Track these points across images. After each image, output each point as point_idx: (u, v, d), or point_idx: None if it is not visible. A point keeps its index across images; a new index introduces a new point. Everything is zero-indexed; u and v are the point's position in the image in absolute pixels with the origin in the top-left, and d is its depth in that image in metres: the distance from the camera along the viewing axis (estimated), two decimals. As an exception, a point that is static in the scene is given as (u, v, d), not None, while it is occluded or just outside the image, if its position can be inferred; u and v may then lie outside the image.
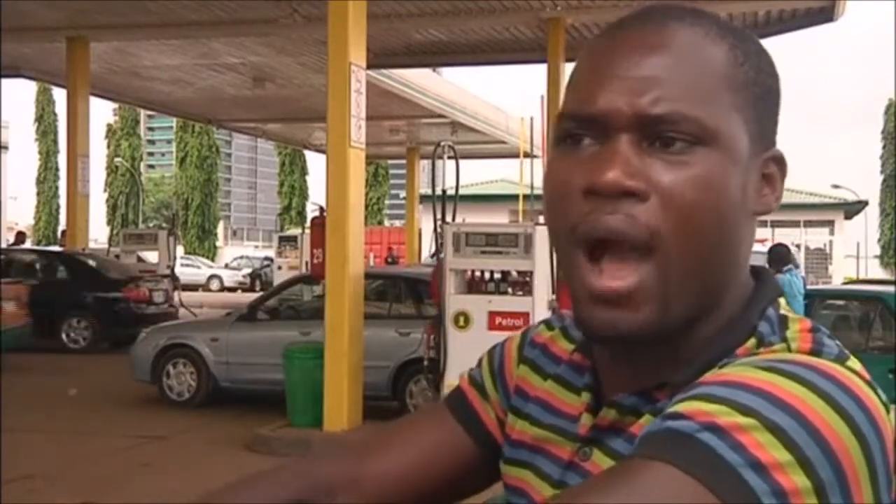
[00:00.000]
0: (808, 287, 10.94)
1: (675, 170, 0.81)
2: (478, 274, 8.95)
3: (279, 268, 25.46)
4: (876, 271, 48.57)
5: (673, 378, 0.85)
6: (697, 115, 0.81)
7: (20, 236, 23.06)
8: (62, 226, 31.53)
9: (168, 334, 11.60)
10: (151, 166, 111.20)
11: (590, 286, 0.82)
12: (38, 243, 51.83)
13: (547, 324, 1.07)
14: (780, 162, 0.88)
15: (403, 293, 11.41)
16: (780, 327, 0.85)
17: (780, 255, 10.53)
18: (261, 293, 18.45)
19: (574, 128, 0.84)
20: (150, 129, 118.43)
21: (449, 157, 10.16)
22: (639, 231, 0.80)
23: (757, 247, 14.89)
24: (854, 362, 0.79)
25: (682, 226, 0.80)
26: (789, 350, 0.81)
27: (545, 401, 0.99)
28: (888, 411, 0.76)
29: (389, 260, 28.65)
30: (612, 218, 0.80)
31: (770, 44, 18.20)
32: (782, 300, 0.89)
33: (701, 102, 0.82)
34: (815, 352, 0.80)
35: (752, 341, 0.84)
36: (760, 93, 0.86)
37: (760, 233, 29.65)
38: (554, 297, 8.74)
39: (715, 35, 0.85)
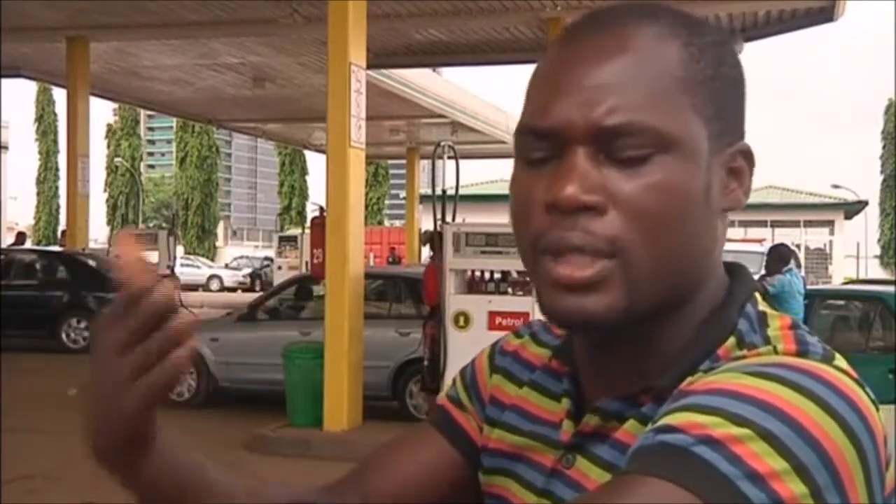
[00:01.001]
0: (808, 287, 10.93)
1: (634, 179, 0.80)
2: (478, 274, 8.96)
3: (279, 268, 25.50)
4: (876, 271, 48.57)
5: (656, 382, 0.84)
6: (654, 124, 0.80)
7: (20, 236, 23.09)
8: (62, 226, 31.56)
9: None
10: (151, 166, 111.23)
11: (556, 276, 0.82)
12: (38, 243, 51.83)
13: (515, 333, 1.06)
14: (747, 155, 0.87)
15: (403, 293, 11.41)
16: (759, 325, 0.84)
17: (780, 255, 10.52)
18: (260, 293, 18.46)
19: (532, 141, 0.84)
20: (150, 129, 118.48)
21: (449, 157, 10.16)
22: (599, 243, 0.80)
23: (756, 247, 14.83)
24: (840, 360, 0.79)
25: (643, 233, 0.80)
26: (775, 352, 0.80)
27: (522, 408, 0.98)
28: (877, 409, 0.76)
29: (391, 260, 28.65)
30: (571, 234, 0.80)
31: (770, 44, 18.20)
32: (759, 295, 0.88)
33: (657, 108, 0.81)
34: (801, 352, 0.79)
35: (731, 340, 0.84)
36: (720, 88, 0.85)
37: (760, 233, 29.70)
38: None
39: (667, 35, 0.83)
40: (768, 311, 0.86)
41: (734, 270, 0.90)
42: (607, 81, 0.81)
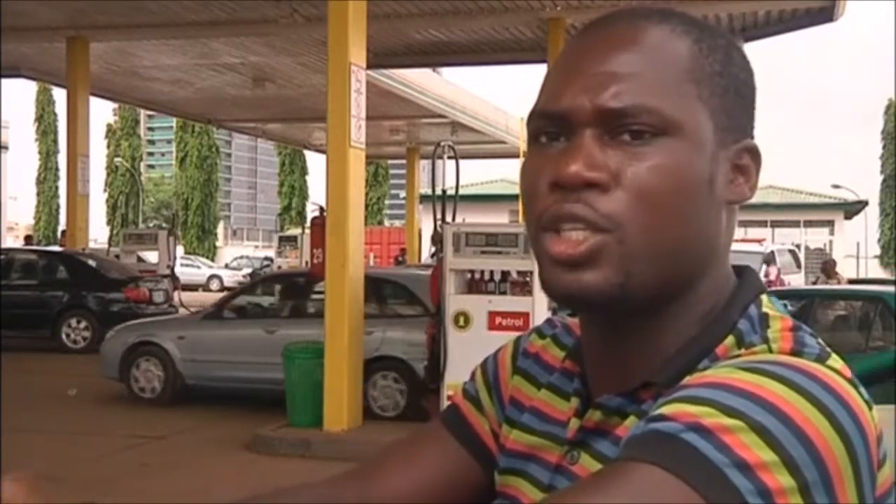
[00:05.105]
0: (808, 287, 10.92)
1: (637, 160, 0.82)
2: (478, 274, 8.96)
3: (279, 268, 25.54)
4: (876, 271, 48.54)
5: (656, 378, 0.85)
6: (658, 107, 0.82)
7: (28, 239, 23.30)
8: (62, 226, 31.60)
9: (136, 332, 11.64)
10: (151, 166, 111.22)
11: (552, 251, 0.84)
12: (38, 243, 51.82)
13: (538, 332, 1.07)
14: (753, 153, 0.89)
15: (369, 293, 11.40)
16: (760, 326, 0.85)
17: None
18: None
19: (544, 125, 0.87)
20: (150, 129, 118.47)
21: (449, 157, 10.16)
22: (599, 218, 0.82)
23: (756, 247, 14.87)
24: (835, 361, 0.80)
25: (643, 213, 0.82)
26: (770, 351, 0.81)
27: (539, 410, 0.98)
28: (871, 409, 0.77)
29: (399, 260, 28.76)
30: (573, 205, 0.82)
31: (770, 44, 18.21)
32: (765, 297, 0.89)
33: (663, 94, 0.83)
34: (796, 352, 0.80)
35: (731, 339, 0.85)
36: (728, 84, 0.87)
37: (760, 233, 29.67)
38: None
39: (680, 31, 0.86)
40: (771, 312, 0.87)
41: (742, 271, 0.92)
42: (615, 69, 0.84)
